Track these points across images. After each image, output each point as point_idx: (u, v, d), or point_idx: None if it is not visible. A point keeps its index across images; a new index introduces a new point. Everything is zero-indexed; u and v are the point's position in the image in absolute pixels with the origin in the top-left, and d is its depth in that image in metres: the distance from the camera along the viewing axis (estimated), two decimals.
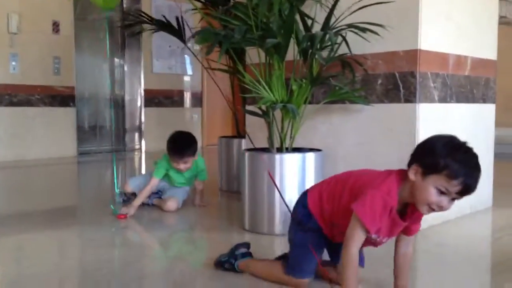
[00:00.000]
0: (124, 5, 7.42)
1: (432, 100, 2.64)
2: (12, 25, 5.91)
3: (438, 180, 1.42)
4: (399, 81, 2.60)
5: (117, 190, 3.46)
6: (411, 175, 1.48)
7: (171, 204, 3.12)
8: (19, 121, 6.10)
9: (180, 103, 7.87)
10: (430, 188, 1.44)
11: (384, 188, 1.51)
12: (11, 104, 6.03)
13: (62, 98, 6.44)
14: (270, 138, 2.68)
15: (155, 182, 3.14)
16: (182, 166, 3.15)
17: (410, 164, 1.52)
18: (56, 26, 6.32)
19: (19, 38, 6.01)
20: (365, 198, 1.50)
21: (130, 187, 3.32)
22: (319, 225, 1.70)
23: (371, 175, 1.63)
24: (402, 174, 1.54)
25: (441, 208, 1.46)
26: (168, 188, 3.31)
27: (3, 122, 5.98)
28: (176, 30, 3.99)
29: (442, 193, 1.43)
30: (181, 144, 3.18)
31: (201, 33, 2.62)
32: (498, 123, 3.42)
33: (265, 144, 2.80)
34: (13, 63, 6.01)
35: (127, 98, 7.49)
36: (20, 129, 6.10)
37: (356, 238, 1.51)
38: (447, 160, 1.41)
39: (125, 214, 2.90)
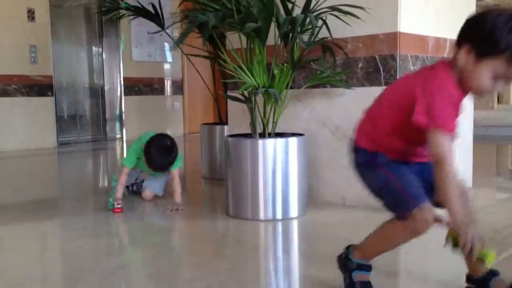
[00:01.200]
0: None
1: None
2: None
3: (496, 64, 1.21)
4: (380, 64, 2.61)
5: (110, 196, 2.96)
6: (462, 58, 1.27)
7: (147, 194, 3.07)
8: None
9: (160, 91, 7.80)
10: (485, 72, 1.23)
11: (442, 83, 1.29)
12: None
13: (40, 87, 6.32)
14: (253, 124, 2.68)
15: (126, 171, 2.89)
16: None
17: (459, 43, 1.29)
18: (31, 14, 6.18)
19: None
20: (427, 104, 1.26)
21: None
22: (386, 155, 1.44)
23: (411, 81, 1.38)
24: (448, 64, 1.34)
25: (493, 91, 1.28)
26: (147, 176, 3.16)
27: None
28: (154, 16, 3.93)
29: (497, 77, 1.23)
30: (165, 162, 2.87)
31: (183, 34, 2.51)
32: (476, 105, 3.46)
33: (247, 130, 2.80)
34: None
35: (106, 86, 7.39)
36: None
37: (445, 151, 1.25)
38: (510, 40, 1.17)
39: (121, 207, 2.75)
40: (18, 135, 6.13)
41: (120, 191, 2.85)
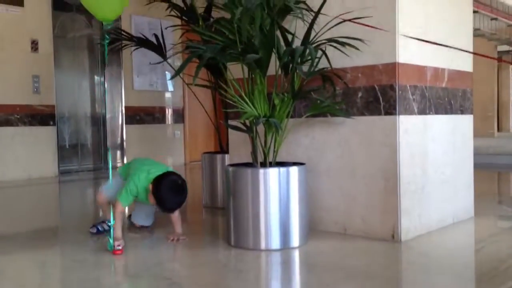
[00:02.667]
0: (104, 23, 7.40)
1: (411, 112, 2.68)
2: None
3: None
4: (379, 93, 2.64)
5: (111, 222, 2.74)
6: None
7: (136, 225, 3.09)
8: None
9: (162, 119, 7.84)
10: None
11: None
12: None
13: (42, 117, 6.36)
14: (254, 153, 2.69)
15: (121, 209, 2.70)
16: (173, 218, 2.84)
17: None
18: (34, 45, 6.28)
19: None
20: None
21: (105, 198, 3.03)
22: None
23: None
24: None
25: None
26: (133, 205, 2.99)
27: None
28: (156, 46, 4.00)
29: None
30: (178, 202, 2.72)
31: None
32: (476, 133, 3.48)
33: (248, 159, 2.81)
34: None
35: (108, 115, 7.44)
36: None
37: None
38: None
39: (122, 249, 2.54)
40: (20, 164, 6.14)
41: (119, 229, 2.63)
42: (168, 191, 2.65)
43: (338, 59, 2.65)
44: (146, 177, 2.73)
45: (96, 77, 7.42)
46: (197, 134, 8.22)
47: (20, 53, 6.13)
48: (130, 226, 3.14)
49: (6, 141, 6.05)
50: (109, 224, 2.80)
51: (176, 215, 2.81)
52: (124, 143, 7.43)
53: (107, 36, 2.99)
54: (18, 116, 6.16)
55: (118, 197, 2.73)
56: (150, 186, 2.68)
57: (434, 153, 2.85)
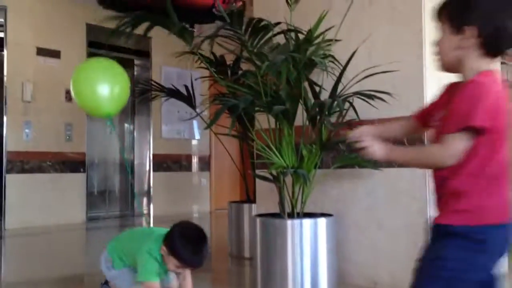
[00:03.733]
0: (135, 73, 7.67)
1: None
2: (27, 93, 6.09)
3: None
4: (408, 145, 2.63)
5: None
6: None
7: None
8: (30, 188, 6.14)
9: (188, 167, 7.92)
10: None
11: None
12: (23, 171, 6.10)
13: (72, 164, 6.51)
14: (281, 204, 2.69)
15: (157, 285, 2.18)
16: (181, 270, 2.24)
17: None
18: (69, 94, 6.51)
19: (32, 106, 6.18)
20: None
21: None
22: None
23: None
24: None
25: None
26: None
27: (14, 189, 6.02)
28: (186, 97, 4.10)
29: None
30: (200, 257, 2.18)
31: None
32: None
33: (275, 209, 2.80)
34: (26, 130, 6.14)
35: (136, 162, 7.56)
36: (31, 196, 6.12)
37: None
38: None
39: None
40: (50, 211, 6.24)
41: None
42: (186, 240, 2.16)
43: (365, 110, 2.67)
44: (154, 242, 2.22)
45: (125, 125, 7.60)
46: (223, 182, 8.25)
47: (55, 103, 6.36)
48: None
49: (38, 187, 6.18)
50: None
51: (189, 282, 2.35)
52: (151, 190, 7.50)
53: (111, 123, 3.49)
54: (50, 163, 6.32)
55: (145, 277, 2.18)
56: (163, 248, 2.17)
57: None
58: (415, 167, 1.38)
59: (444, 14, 1.37)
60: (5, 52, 6.05)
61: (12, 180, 6.00)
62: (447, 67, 1.41)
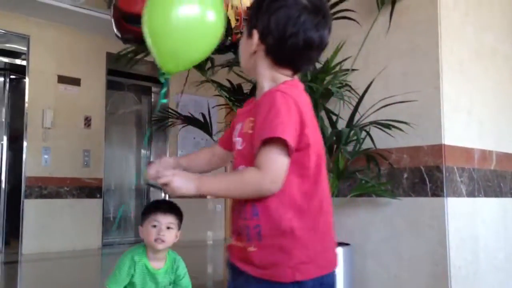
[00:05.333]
0: (152, 100, 7.79)
1: (460, 195, 2.64)
2: (47, 120, 6.21)
3: None
4: (425, 175, 2.62)
5: None
6: None
7: None
8: (47, 213, 6.19)
9: None
10: None
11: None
12: (41, 196, 6.17)
13: (90, 190, 6.57)
14: None
15: None
16: (163, 234, 2.02)
17: None
18: (88, 121, 6.62)
19: (52, 132, 6.29)
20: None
21: None
22: None
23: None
24: None
25: None
26: None
27: (32, 215, 6.08)
28: (203, 124, 4.15)
29: None
30: (165, 202, 2.18)
31: None
32: None
33: None
34: (45, 156, 6.23)
35: (152, 188, 7.60)
36: (48, 221, 6.17)
37: None
38: None
39: None
40: (66, 236, 6.28)
41: None
42: (153, 201, 2.27)
43: (382, 139, 2.67)
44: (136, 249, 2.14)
45: (142, 151, 7.68)
46: None
47: (74, 129, 6.46)
48: None
49: (55, 213, 6.23)
50: None
51: None
52: None
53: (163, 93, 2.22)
54: (68, 189, 6.38)
55: (107, 283, 2.14)
56: (140, 228, 2.12)
57: (485, 237, 2.76)
58: (235, 198, 1.16)
59: (247, 14, 1.27)
60: (27, 80, 6.20)
61: (30, 205, 6.07)
62: (249, 73, 1.28)
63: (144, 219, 2.07)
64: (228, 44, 2.66)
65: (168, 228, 2.04)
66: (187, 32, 1.61)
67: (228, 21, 2.53)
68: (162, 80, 1.70)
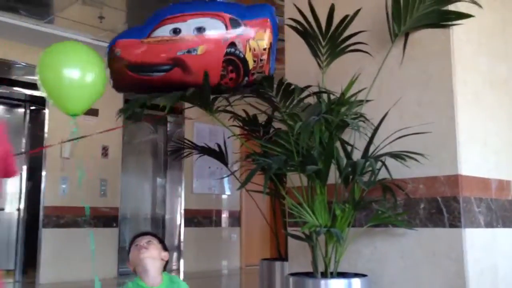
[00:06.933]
0: (168, 129, 7.89)
1: (478, 225, 2.62)
2: (65, 150, 6.32)
3: None
4: (442, 205, 2.61)
5: None
6: None
7: None
8: (64, 243, 6.25)
9: (218, 222, 7.94)
10: None
11: None
12: (58, 225, 6.23)
13: (106, 219, 6.63)
14: (314, 263, 2.67)
15: None
16: (145, 252, 2.18)
17: None
18: (105, 151, 6.73)
19: (70, 162, 6.39)
20: None
21: None
22: None
23: None
24: None
25: None
26: None
27: (49, 244, 6.14)
28: (218, 154, 4.20)
29: None
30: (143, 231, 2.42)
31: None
32: None
33: (307, 267, 2.78)
34: (63, 186, 6.33)
35: (167, 217, 7.63)
36: (64, 251, 6.22)
37: None
38: None
39: None
40: (83, 266, 6.30)
41: None
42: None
43: (398, 169, 2.68)
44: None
45: (158, 180, 7.74)
46: (253, 238, 8.20)
47: (91, 159, 6.56)
48: None
49: (72, 243, 6.28)
50: None
51: None
52: (181, 245, 7.51)
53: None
54: (85, 218, 6.44)
55: None
56: (127, 263, 2.30)
57: (505, 268, 2.72)
58: None
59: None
60: (46, 111, 6.35)
61: (47, 235, 6.13)
62: None
63: (129, 254, 2.28)
64: (244, 84, 2.74)
65: (148, 241, 2.26)
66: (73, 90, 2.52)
67: (246, 63, 2.64)
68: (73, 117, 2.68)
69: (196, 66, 2.60)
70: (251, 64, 2.67)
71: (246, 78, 2.70)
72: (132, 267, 2.27)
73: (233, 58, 2.64)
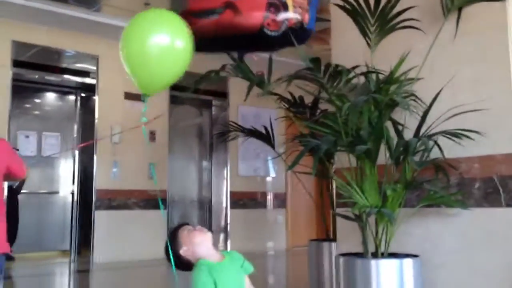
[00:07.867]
0: (213, 113, 7.97)
1: None
2: (115, 136, 6.51)
3: None
4: (499, 184, 2.53)
5: None
6: None
7: None
8: (116, 224, 6.47)
9: (263, 204, 8.00)
10: None
11: None
12: (110, 207, 6.46)
13: (155, 201, 6.80)
14: (365, 243, 2.66)
15: None
16: (206, 232, 2.21)
17: None
18: (152, 135, 6.88)
19: (120, 147, 6.59)
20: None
21: None
22: None
23: None
24: None
25: None
26: None
27: (102, 225, 6.37)
28: (265, 136, 4.21)
29: None
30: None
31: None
32: None
33: (356, 248, 2.77)
34: (114, 169, 6.53)
35: (213, 200, 7.76)
36: (117, 232, 6.45)
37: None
38: None
39: None
40: (134, 246, 6.53)
41: None
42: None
43: (450, 149, 2.62)
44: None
45: (204, 163, 7.87)
46: (299, 219, 8.22)
47: (139, 143, 6.73)
48: None
49: (123, 224, 6.51)
50: None
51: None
52: (228, 227, 7.63)
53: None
54: (135, 201, 6.64)
55: None
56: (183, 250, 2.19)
57: None
58: None
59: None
60: (96, 97, 6.54)
61: (100, 217, 6.37)
62: None
63: (176, 242, 2.19)
64: (283, 31, 2.87)
65: (192, 228, 2.21)
66: (160, 60, 2.09)
67: (287, 7, 2.93)
68: (144, 100, 2.26)
69: (244, 7, 2.92)
70: (291, 8, 2.92)
71: (286, 22, 2.88)
72: (189, 252, 2.15)
73: (275, 1, 2.92)
